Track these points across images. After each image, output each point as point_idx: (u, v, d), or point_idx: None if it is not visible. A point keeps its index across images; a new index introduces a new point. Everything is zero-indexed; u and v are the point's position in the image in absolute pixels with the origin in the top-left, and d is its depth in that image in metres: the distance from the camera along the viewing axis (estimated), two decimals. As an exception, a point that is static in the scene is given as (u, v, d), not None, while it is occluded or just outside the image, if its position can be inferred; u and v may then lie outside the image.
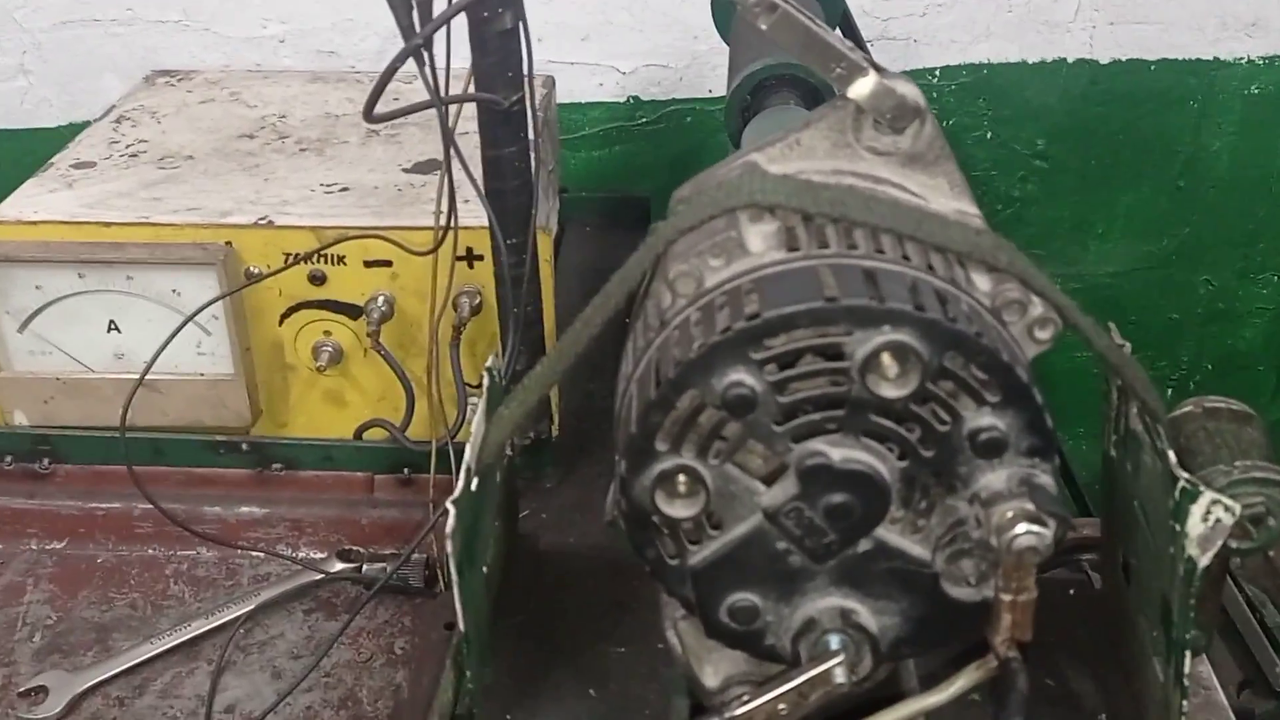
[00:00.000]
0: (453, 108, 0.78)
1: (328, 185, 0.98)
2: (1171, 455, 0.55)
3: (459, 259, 0.87)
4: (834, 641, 0.53)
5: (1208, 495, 0.52)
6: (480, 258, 0.90)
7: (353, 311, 0.92)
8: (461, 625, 0.59)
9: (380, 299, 0.91)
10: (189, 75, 1.22)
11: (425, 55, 0.68)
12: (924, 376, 0.49)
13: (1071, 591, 0.75)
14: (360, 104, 1.12)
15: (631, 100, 1.51)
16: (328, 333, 0.93)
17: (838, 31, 1.14)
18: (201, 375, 0.92)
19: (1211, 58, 1.52)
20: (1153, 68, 1.53)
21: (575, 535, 0.86)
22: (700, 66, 1.49)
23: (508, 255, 0.82)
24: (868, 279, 0.50)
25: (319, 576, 0.86)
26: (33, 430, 0.92)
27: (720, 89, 1.49)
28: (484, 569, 0.64)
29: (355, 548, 0.88)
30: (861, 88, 0.56)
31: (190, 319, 0.86)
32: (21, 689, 0.77)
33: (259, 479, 0.91)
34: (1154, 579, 0.60)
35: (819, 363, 0.49)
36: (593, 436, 0.98)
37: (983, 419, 0.50)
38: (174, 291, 0.90)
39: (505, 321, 0.86)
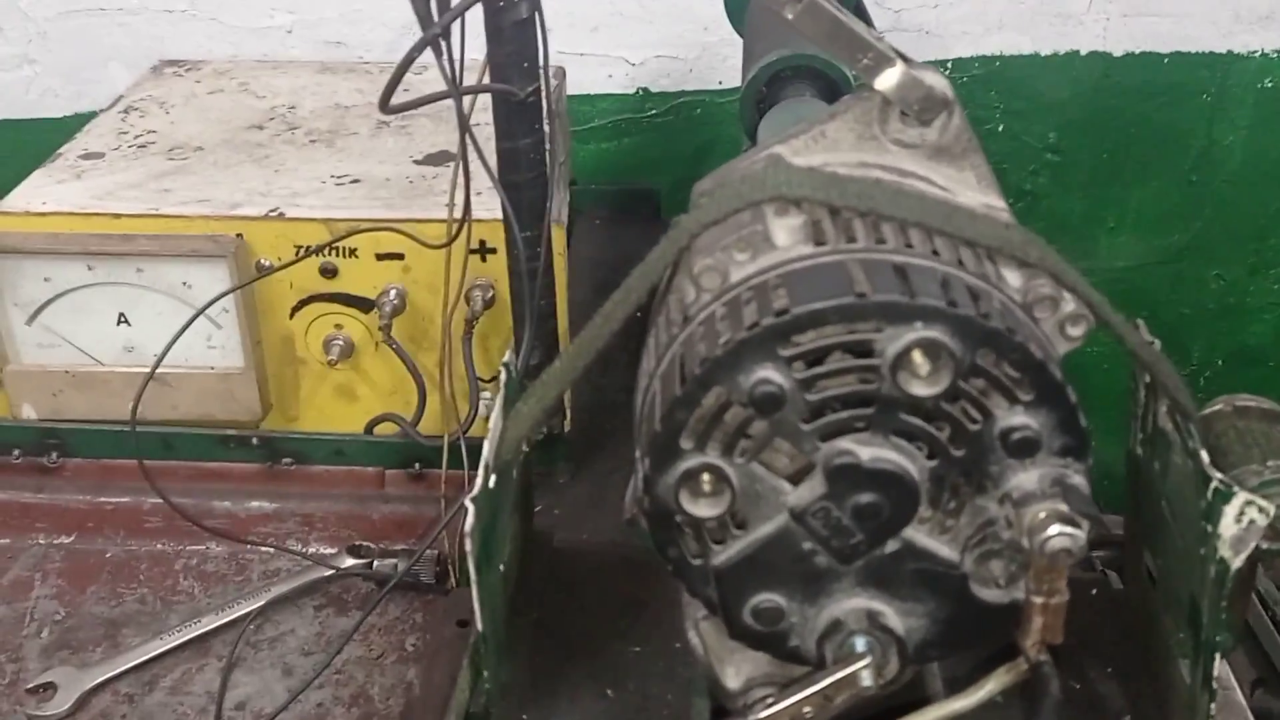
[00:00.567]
0: (466, 99, 0.77)
1: (338, 177, 0.97)
2: (1204, 455, 0.54)
3: (472, 252, 0.86)
4: (860, 644, 0.52)
5: (1242, 496, 0.51)
6: (493, 251, 0.89)
7: (364, 305, 0.91)
8: (479, 624, 0.58)
9: (392, 292, 0.90)
10: (197, 65, 1.21)
11: (443, 45, 0.67)
12: (956, 374, 0.48)
13: (1094, 592, 0.74)
14: (370, 95, 1.13)
15: (641, 92, 1.50)
16: (339, 326, 0.92)
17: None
18: (212, 369, 0.91)
19: (1225, 51, 1.51)
20: (1166, 60, 1.52)
21: (589, 531, 0.86)
22: (710, 58, 1.48)
23: (523, 248, 0.81)
24: (898, 274, 0.49)
25: (329, 572, 0.85)
26: (41, 424, 0.91)
27: (731, 81, 1.48)
28: (501, 567, 0.63)
29: (366, 543, 0.87)
30: (889, 79, 0.55)
31: (201, 312, 0.85)
32: (30, 685, 0.76)
33: (269, 473, 0.90)
34: (1181, 580, 0.59)
35: (848, 360, 0.48)
36: (605, 431, 0.98)
37: (1015, 418, 0.49)
38: (184, 284, 0.89)
39: (520, 315, 0.85)
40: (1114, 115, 1.55)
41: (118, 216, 0.89)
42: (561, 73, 1.21)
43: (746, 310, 0.50)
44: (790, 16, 0.54)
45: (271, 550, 0.87)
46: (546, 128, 0.82)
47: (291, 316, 0.92)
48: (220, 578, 0.86)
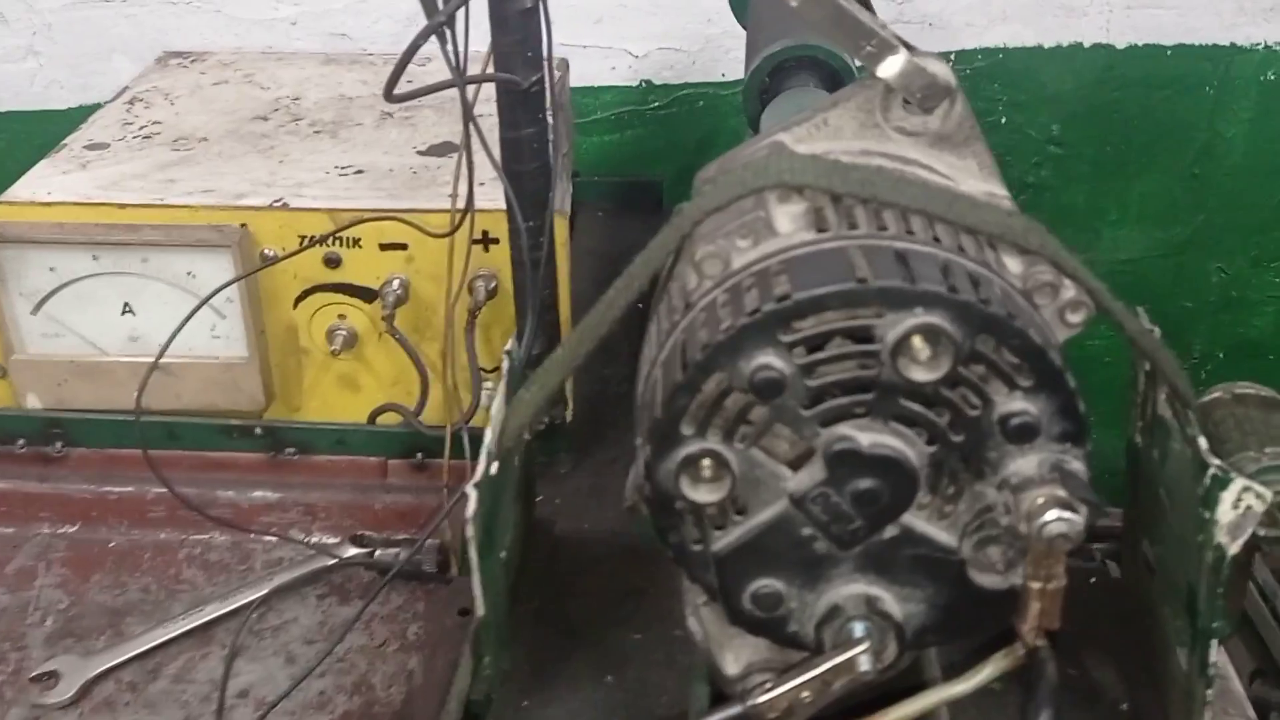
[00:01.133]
0: (471, 89, 0.77)
1: (342, 168, 0.97)
2: (1202, 441, 0.54)
3: (475, 242, 0.87)
4: (859, 629, 0.52)
5: (1239, 482, 0.52)
6: (496, 241, 0.89)
7: (368, 295, 0.91)
8: (480, 610, 0.58)
9: (395, 282, 0.90)
10: (202, 57, 1.21)
11: (448, 34, 0.67)
12: (956, 360, 0.48)
13: (1093, 580, 0.75)
14: (374, 86, 1.13)
15: (644, 84, 1.50)
16: (342, 316, 0.93)
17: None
18: (216, 358, 0.92)
19: (1228, 43, 1.51)
20: (1169, 53, 1.52)
21: (590, 520, 0.86)
22: (713, 50, 1.48)
23: (526, 238, 0.81)
24: (899, 260, 0.49)
25: (332, 561, 0.85)
26: (46, 413, 0.91)
27: (734, 73, 1.48)
28: (502, 554, 0.63)
29: (368, 533, 0.87)
30: (891, 66, 0.56)
31: (205, 302, 0.85)
32: (33, 674, 0.76)
33: (272, 463, 0.90)
34: (1179, 568, 0.59)
35: (848, 345, 0.49)
36: (607, 421, 0.98)
37: (1014, 403, 0.49)
38: (189, 274, 0.89)
39: (523, 305, 0.85)
40: (1117, 108, 1.54)
41: (123, 206, 0.89)
42: (565, 64, 1.21)
43: (748, 296, 0.50)
44: (794, 3, 0.55)
45: (275, 539, 0.87)
46: (550, 118, 0.82)
47: (295, 306, 0.92)
48: (223, 567, 0.86)
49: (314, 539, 0.87)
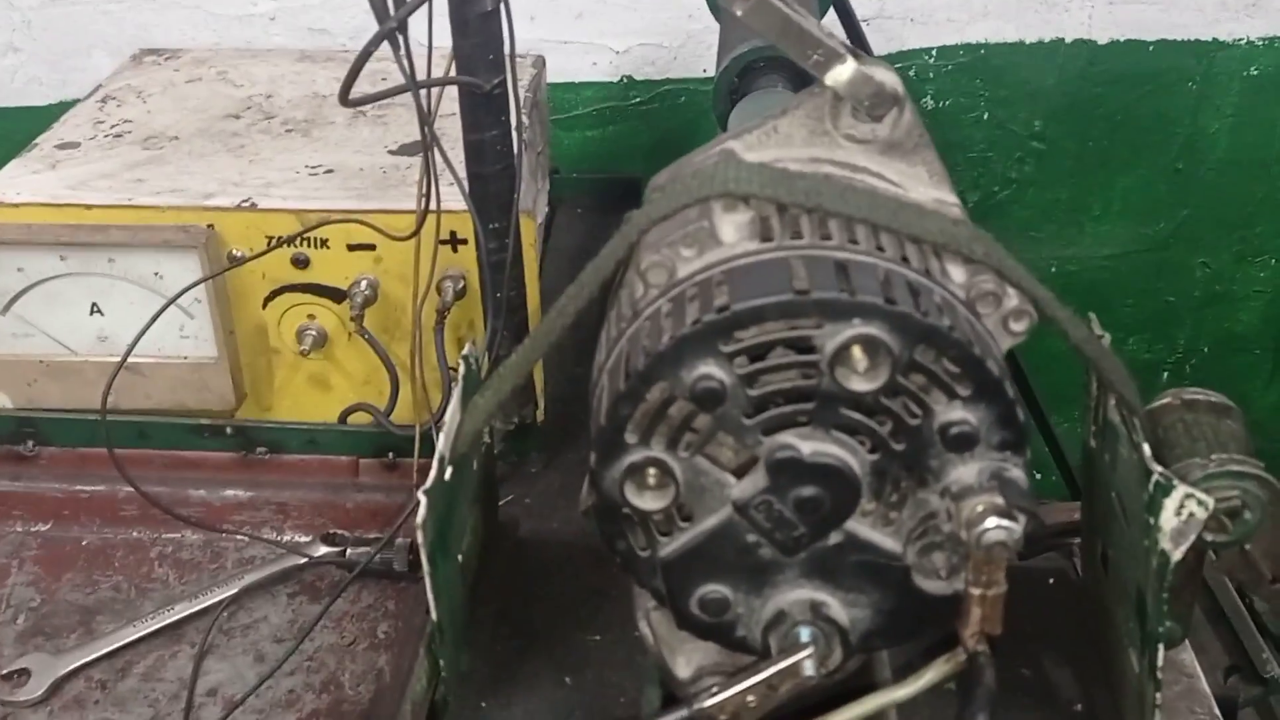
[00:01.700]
0: (436, 90, 0.77)
1: (312, 167, 0.97)
2: (1146, 448, 0.55)
3: (442, 243, 0.87)
4: (804, 634, 0.53)
5: (1181, 489, 0.52)
6: (464, 241, 0.89)
7: (336, 295, 0.92)
8: (434, 614, 0.59)
9: (364, 283, 0.90)
10: (176, 54, 1.21)
11: (400, 39, 0.68)
12: (894, 370, 0.49)
13: (1051, 581, 0.75)
14: (347, 84, 1.13)
15: (625, 80, 1.50)
16: (311, 316, 0.93)
17: (831, 12, 1.13)
18: (185, 358, 0.92)
19: (1211, 38, 1.51)
20: (1151, 48, 1.52)
21: (558, 521, 0.86)
22: (695, 45, 1.48)
23: (490, 240, 0.81)
24: (839, 271, 0.50)
25: (303, 560, 0.85)
26: (17, 413, 0.92)
27: (714, 69, 1.48)
28: (459, 557, 0.64)
29: (340, 531, 0.87)
30: (839, 74, 0.56)
31: (172, 302, 0.85)
32: (4, 671, 0.77)
33: (243, 462, 0.91)
34: (1130, 570, 0.60)
35: (789, 355, 0.49)
36: (578, 421, 0.97)
37: (954, 413, 0.49)
38: (156, 274, 0.89)
39: (487, 306, 0.85)
40: (1099, 103, 1.54)
41: (89, 207, 0.90)
42: (541, 61, 1.21)
43: (690, 307, 0.50)
44: (739, 13, 0.55)
45: (246, 538, 0.88)
46: (515, 119, 0.82)
47: (264, 306, 0.93)
48: (195, 565, 0.87)
49: (285, 538, 0.88)
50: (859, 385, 0.49)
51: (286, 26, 1.43)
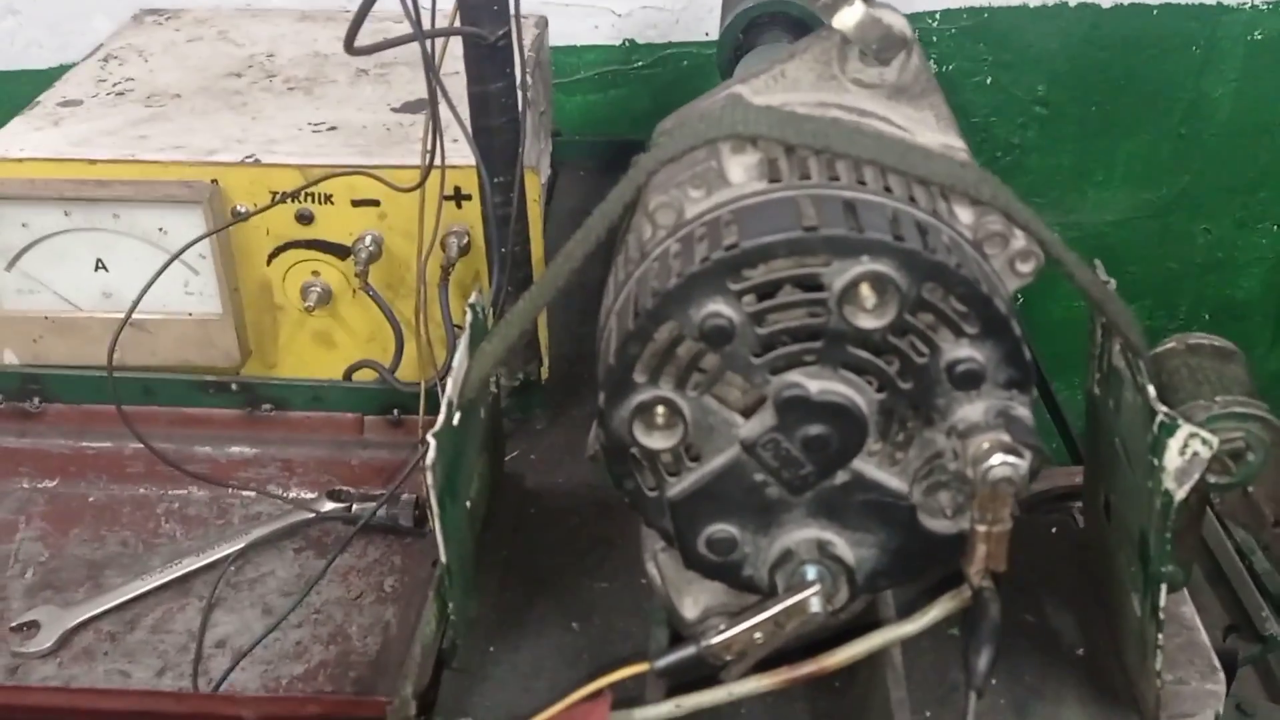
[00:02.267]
0: (439, 45, 0.77)
1: (315, 124, 0.97)
2: (1151, 390, 0.55)
3: (447, 198, 0.87)
4: (811, 572, 0.54)
5: (1185, 429, 0.52)
6: (469, 197, 0.89)
7: (341, 251, 0.91)
8: (443, 557, 0.59)
9: (368, 239, 0.90)
10: (177, 14, 1.21)
11: (406, -14, 0.67)
12: (902, 307, 0.49)
13: (1054, 530, 0.76)
14: (350, 43, 1.12)
15: (627, 43, 1.49)
16: (316, 273, 0.93)
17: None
18: (190, 315, 0.92)
19: (1215, 3, 1.50)
20: (1155, 12, 1.51)
21: (563, 476, 0.86)
22: (696, 9, 1.47)
23: (495, 194, 0.81)
24: (847, 209, 0.50)
25: (310, 516, 0.86)
26: (23, 369, 0.92)
27: (716, 32, 1.47)
28: (467, 503, 0.64)
29: (345, 488, 0.88)
30: (848, 17, 0.56)
31: (176, 256, 0.85)
32: (14, 624, 0.77)
33: (249, 419, 0.91)
34: (1133, 514, 0.60)
35: (797, 294, 0.49)
36: (582, 379, 0.98)
37: (961, 350, 0.50)
38: (160, 230, 0.89)
39: (492, 260, 0.85)
40: (1103, 68, 1.54)
41: (93, 162, 0.89)
42: (544, 22, 1.21)
43: (699, 245, 0.50)
44: (748, -46, 0.55)
45: (252, 494, 0.88)
46: (519, 74, 0.82)
47: (269, 263, 0.92)
48: (201, 521, 0.87)
49: (291, 494, 0.88)
50: (867, 322, 0.49)
51: (287, -12, 1.42)
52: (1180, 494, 0.53)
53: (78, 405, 0.90)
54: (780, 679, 0.52)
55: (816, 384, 0.50)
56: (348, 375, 0.93)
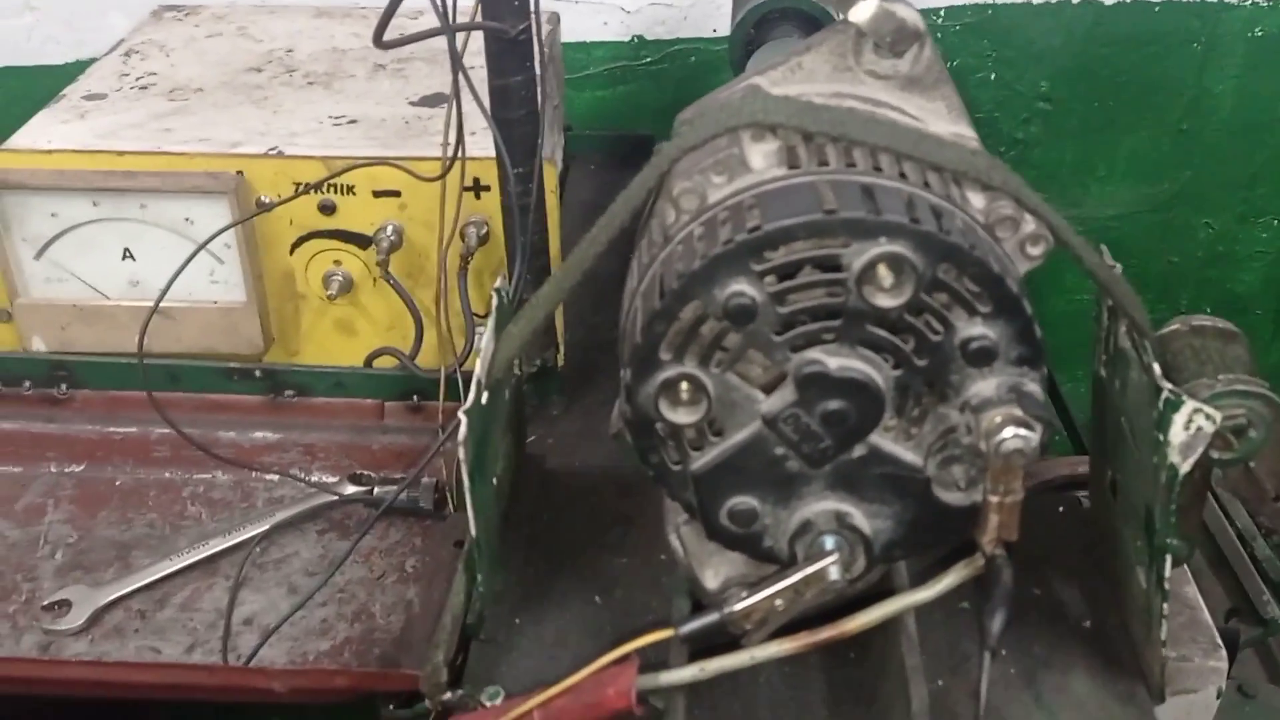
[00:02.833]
0: (460, 39, 0.79)
1: (335, 118, 0.99)
2: (1156, 368, 0.57)
3: (466, 189, 0.89)
4: (829, 542, 0.56)
5: (1190, 404, 0.55)
6: (487, 188, 0.91)
7: (362, 241, 0.94)
8: (473, 530, 0.61)
9: (389, 228, 0.92)
10: (195, 10, 1.23)
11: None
12: (918, 287, 0.51)
13: (1061, 509, 0.78)
14: (366, 39, 1.14)
15: (636, 39, 1.51)
16: (338, 262, 0.95)
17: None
18: (215, 303, 0.94)
19: (1216, 0, 1.52)
20: (1157, 9, 1.53)
21: (581, 459, 0.89)
22: (704, 5, 1.49)
23: (515, 184, 0.83)
24: (865, 194, 0.52)
25: (332, 498, 0.88)
26: (51, 356, 0.93)
27: (724, 28, 1.48)
28: (493, 480, 0.66)
29: (366, 472, 0.89)
30: (863, 11, 0.58)
31: (203, 246, 0.87)
32: (45, 602, 0.79)
33: (272, 405, 0.93)
34: (1138, 490, 0.62)
35: (817, 274, 0.51)
36: (597, 366, 1.00)
37: (974, 328, 0.52)
38: (186, 220, 0.91)
39: (513, 249, 0.87)
40: (1105, 64, 1.56)
41: (121, 154, 0.91)
42: (555, 17, 1.23)
43: (722, 229, 0.52)
44: (767, -51, 0.57)
45: (276, 478, 0.90)
46: (538, 68, 0.84)
47: (292, 253, 0.95)
48: (226, 504, 0.89)
49: (313, 478, 0.90)
50: (884, 301, 0.51)
51: (300, -16, 1.44)
52: (1185, 467, 0.56)
53: (104, 391, 0.92)
54: (801, 643, 0.55)
55: (835, 361, 0.52)
56: (368, 362, 0.95)
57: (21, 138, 0.95)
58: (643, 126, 1.46)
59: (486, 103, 0.83)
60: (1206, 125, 1.60)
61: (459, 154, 0.83)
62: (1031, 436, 0.51)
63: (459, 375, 0.88)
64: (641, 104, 1.54)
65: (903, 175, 0.55)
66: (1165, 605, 0.61)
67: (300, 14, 1.21)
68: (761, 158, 0.56)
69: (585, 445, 0.93)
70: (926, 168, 0.56)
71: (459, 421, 0.58)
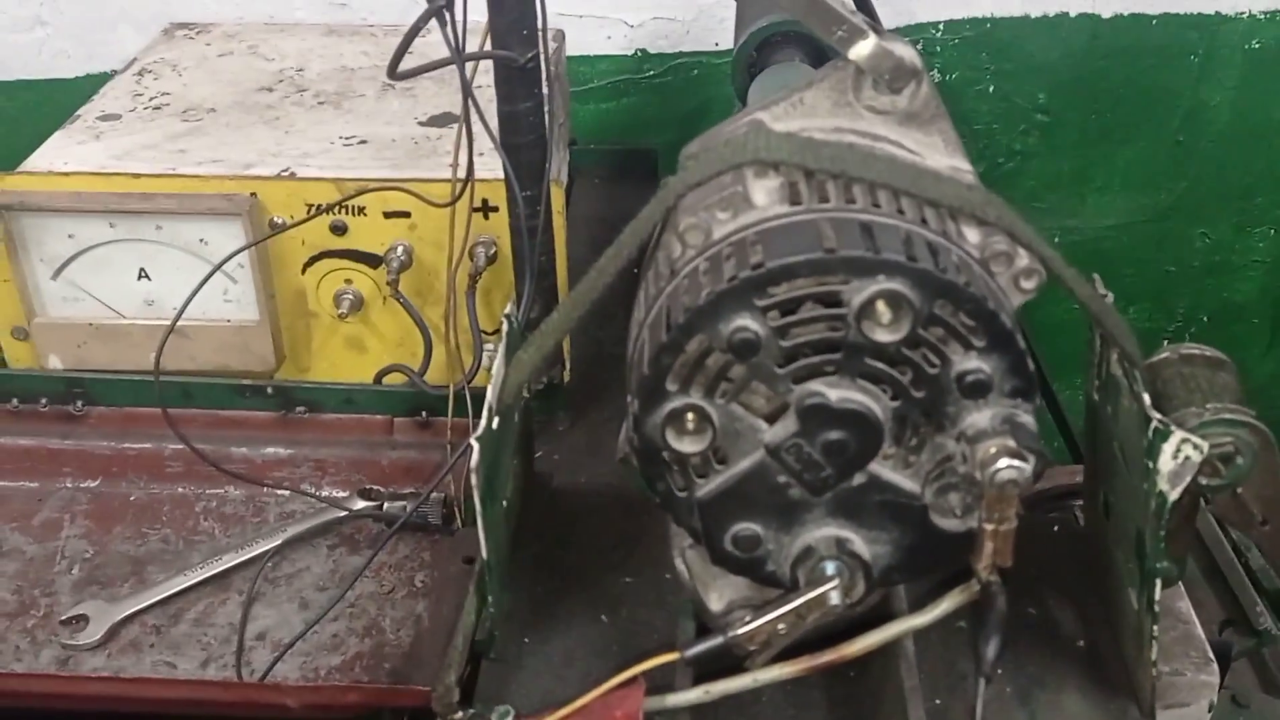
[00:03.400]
0: (470, 67, 0.80)
1: (346, 138, 1.01)
2: (1146, 398, 0.59)
3: (475, 210, 0.90)
4: (830, 568, 0.57)
5: (1178, 434, 0.56)
6: (495, 209, 0.93)
7: (373, 261, 0.95)
8: (484, 554, 0.63)
9: (399, 248, 0.94)
10: (207, 28, 1.25)
11: (446, 15, 0.71)
12: (915, 322, 0.53)
13: (1056, 529, 0.79)
14: (375, 58, 1.16)
15: (639, 53, 1.53)
16: (349, 281, 0.96)
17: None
18: (228, 321, 0.96)
19: (1213, 12, 1.54)
20: (1154, 22, 1.54)
21: (586, 475, 0.90)
22: (707, 20, 1.51)
23: (523, 207, 0.85)
24: (864, 231, 0.54)
25: (342, 514, 0.89)
26: (67, 373, 0.95)
27: (727, 42, 1.51)
28: (504, 503, 0.68)
29: (376, 487, 0.91)
30: (862, 49, 0.60)
31: (219, 268, 0.89)
32: (63, 617, 0.81)
33: (283, 421, 0.94)
34: (1130, 514, 0.64)
35: (818, 309, 0.53)
36: (602, 382, 1.02)
37: (969, 362, 0.54)
38: (201, 240, 0.93)
39: (521, 271, 0.89)
40: (1102, 76, 1.57)
41: (137, 176, 0.93)
42: (561, 35, 1.24)
43: (726, 265, 0.54)
44: (770, -8, 0.58)
45: (287, 493, 0.91)
46: (545, 91, 0.86)
47: (303, 271, 0.96)
48: (238, 519, 0.90)
49: (324, 493, 0.91)
50: (883, 336, 0.53)
51: (309, 0, 1.46)
52: (1174, 495, 0.57)
53: (119, 408, 0.93)
54: (803, 666, 0.56)
55: (836, 393, 0.54)
56: (378, 379, 0.97)
57: (39, 159, 0.97)
58: (646, 139, 1.48)
59: (495, 127, 0.84)
60: (1203, 136, 1.62)
61: (468, 178, 0.85)
62: (1025, 467, 0.52)
63: (467, 391, 0.89)
64: (645, 117, 1.56)
65: (900, 211, 0.57)
66: (1155, 628, 0.62)
67: (310, 32, 1.23)
68: (764, 194, 0.57)
69: (591, 460, 0.94)
70: (923, 203, 0.58)
71: (470, 448, 0.60)
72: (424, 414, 0.93)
